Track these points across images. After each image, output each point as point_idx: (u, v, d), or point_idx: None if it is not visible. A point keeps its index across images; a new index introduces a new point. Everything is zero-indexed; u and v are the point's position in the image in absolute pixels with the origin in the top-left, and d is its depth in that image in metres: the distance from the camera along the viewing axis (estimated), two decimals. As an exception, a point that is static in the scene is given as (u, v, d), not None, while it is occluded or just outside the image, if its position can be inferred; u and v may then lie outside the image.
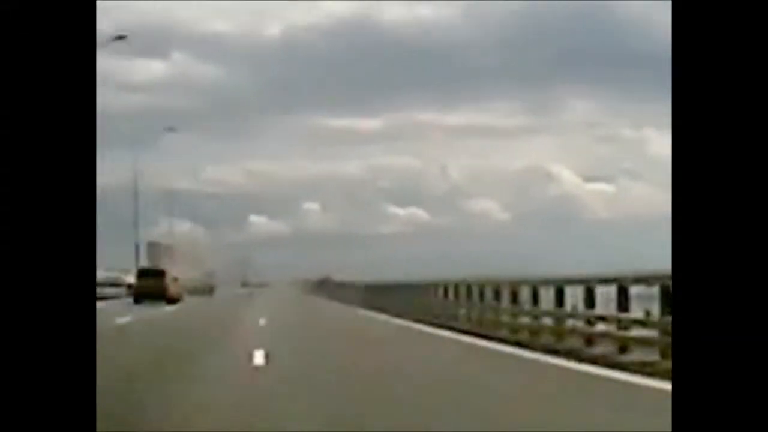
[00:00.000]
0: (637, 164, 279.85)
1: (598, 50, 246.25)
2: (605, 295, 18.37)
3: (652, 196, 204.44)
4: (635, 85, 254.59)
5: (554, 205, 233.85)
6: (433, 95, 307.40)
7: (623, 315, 16.99)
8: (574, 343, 18.58)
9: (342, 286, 74.34)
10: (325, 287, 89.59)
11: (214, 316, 38.85)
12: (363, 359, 16.90)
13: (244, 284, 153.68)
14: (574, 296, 19.91)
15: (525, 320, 23.02)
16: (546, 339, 20.22)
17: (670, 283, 14.48)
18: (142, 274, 56.45)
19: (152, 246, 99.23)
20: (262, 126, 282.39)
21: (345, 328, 29.14)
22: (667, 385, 10.91)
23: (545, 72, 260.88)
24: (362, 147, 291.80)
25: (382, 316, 36.02)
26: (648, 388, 11.69)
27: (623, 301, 17.10)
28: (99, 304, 35.01)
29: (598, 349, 17.25)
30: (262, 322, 30.43)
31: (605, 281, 18.30)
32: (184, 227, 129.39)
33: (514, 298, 24.36)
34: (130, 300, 52.27)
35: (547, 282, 21.99)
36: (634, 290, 17.24)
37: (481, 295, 27.34)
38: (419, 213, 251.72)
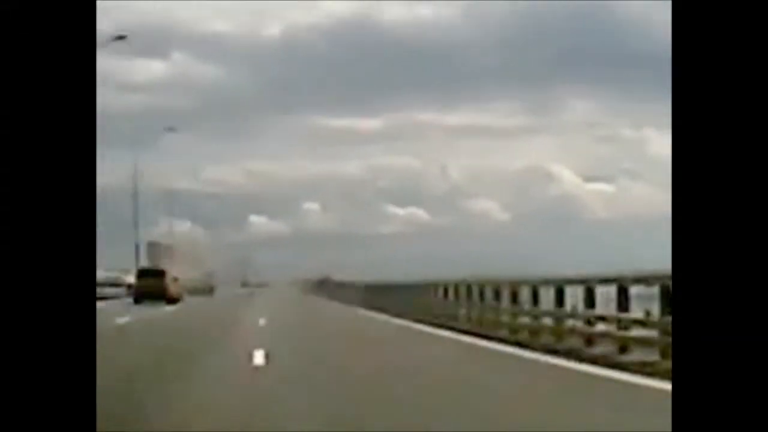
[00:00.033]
0: (637, 164, 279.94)
1: (598, 50, 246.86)
2: (605, 295, 18.34)
3: (652, 196, 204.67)
4: (635, 85, 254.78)
5: (554, 205, 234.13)
6: (433, 95, 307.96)
7: (623, 315, 16.97)
8: (574, 343, 18.55)
9: (342, 286, 74.26)
10: (325, 287, 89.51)
11: (214, 316, 38.83)
12: (363, 359, 16.90)
13: (244, 284, 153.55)
14: (574, 296, 19.89)
15: (525, 320, 23.00)
16: (546, 339, 20.20)
17: (670, 283, 14.47)
18: (142, 274, 56.45)
19: (152, 246, 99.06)
20: (262, 126, 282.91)
21: (345, 328, 29.13)
22: (667, 385, 10.91)
23: (545, 72, 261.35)
24: (362, 147, 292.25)
25: (382, 316, 36.00)
26: (648, 388, 11.68)
27: (623, 301, 17.09)
28: (99, 304, 34.99)
29: (598, 349, 17.23)
30: (261, 322, 30.42)
31: (605, 281, 18.28)
32: (184, 227, 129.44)
33: (514, 298, 24.34)
34: (130, 300, 52.26)
35: (547, 282, 21.97)
36: (634, 290, 17.22)
37: (481, 295, 27.32)
38: (419, 213, 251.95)
